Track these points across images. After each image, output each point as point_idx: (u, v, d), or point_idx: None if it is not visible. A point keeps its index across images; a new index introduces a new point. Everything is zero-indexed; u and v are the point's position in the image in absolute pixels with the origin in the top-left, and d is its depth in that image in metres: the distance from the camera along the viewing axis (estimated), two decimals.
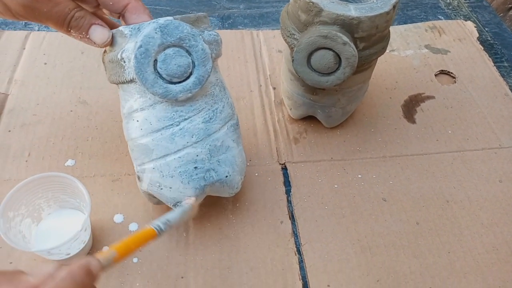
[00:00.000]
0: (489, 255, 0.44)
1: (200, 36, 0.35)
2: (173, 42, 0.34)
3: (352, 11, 0.41)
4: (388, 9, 0.42)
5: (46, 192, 0.40)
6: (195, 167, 0.37)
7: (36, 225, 0.41)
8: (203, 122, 0.37)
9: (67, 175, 0.39)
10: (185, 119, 0.37)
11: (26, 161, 0.49)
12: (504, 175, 0.51)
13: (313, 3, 0.41)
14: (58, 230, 0.41)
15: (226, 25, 0.71)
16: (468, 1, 0.79)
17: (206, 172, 0.38)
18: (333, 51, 0.42)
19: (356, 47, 0.42)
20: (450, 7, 0.77)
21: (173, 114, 0.36)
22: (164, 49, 0.34)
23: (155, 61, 0.34)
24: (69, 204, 0.42)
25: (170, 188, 0.38)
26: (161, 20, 0.34)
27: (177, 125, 0.36)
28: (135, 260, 0.43)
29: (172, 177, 0.37)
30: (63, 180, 0.39)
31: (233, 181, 0.41)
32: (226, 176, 0.40)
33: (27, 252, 0.42)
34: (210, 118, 0.38)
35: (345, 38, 0.40)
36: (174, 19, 0.35)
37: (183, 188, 0.38)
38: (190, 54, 0.35)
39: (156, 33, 0.33)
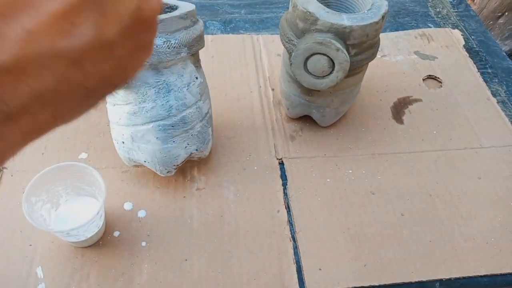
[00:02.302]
0: (466, 244, 0.49)
1: None
2: None
3: (345, 20, 0.45)
4: (377, 19, 0.46)
5: (65, 180, 0.44)
6: (123, 142, 0.46)
7: (55, 210, 0.45)
8: (127, 112, 0.43)
9: (84, 165, 0.43)
10: (118, 104, 0.43)
11: (43, 154, 0.53)
12: (483, 173, 0.56)
13: (309, 12, 0.46)
14: (75, 215, 0.45)
15: (228, 29, 0.75)
16: (456, 10, 0.84)
17: (129, 150, 0.46)
18: (328, 56, 0.46)
19: (348, 53, 0.47)
20: (439, 16, 0.82)
21: (113, 98, 0.43)
22: None
23: None
24: (85, 191, 0.46)
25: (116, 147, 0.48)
26: None
27: (112, 106, 0.44)
28: (143, 244, 0.47)
29: (114, 140, 0.48)
30: (80, 169, 0.43)
31: (155, 168, 0.47)
32: (145, 161, 0.47)
33: (46, 235, 0.45)
34: (135, 112, 0.43)
35: (338, 45, 0.45)
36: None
37: (118, 153, 0.48)
38: None
39: None
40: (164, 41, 0.39)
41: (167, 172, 0.48)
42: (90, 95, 0.16)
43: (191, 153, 0.48)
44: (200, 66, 0.47)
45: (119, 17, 0.15)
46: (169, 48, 0.40)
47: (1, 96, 0.12)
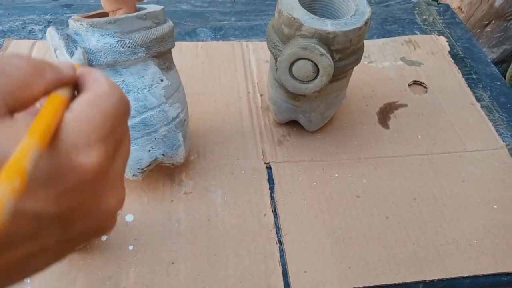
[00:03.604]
0: (450, 246, 0.50)
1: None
2: None
3: (329, 26, 0.46)
4: (360, 25, 0.47)
5: None
6: None
7: None
8: None
9: None
10: None
11: None
12: (467, 176, 0.57)
13: (294, 18, 0.47)
14: None
15: (218, 36, 0.76)
16: (442, 18, 0.86)
17: None
18: (312, 61, 0.47)
19: (332, 58, 0.48)
20: (425, 23, 0.84)
21: None
22: None
23: None
24: None
25: None
26: None
27: None
28: (130, 247, 0.47)
29: None
30: None
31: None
32: None
33: None
34: None
35: (322, 50, 0.46)
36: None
37: None
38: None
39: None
40: (118, 41, 0.39)
41: (133, 176, 0.47)
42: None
43: (156, 158, 0.47)
44: (171, 69, 0.46)
45: (71, 249, 0.19)
46: (123, 48, 0.39)
47: None
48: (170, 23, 0.44)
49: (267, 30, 0.53)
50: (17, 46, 0.67)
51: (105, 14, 0.43)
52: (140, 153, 0.46)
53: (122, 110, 0.18)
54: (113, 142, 0.17)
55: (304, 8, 0.49)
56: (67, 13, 0.77)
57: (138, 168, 0.47)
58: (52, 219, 0.16)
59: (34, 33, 0.71)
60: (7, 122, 0.14)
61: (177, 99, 0.47)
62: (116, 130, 0.17)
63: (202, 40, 0.74)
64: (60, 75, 0.17)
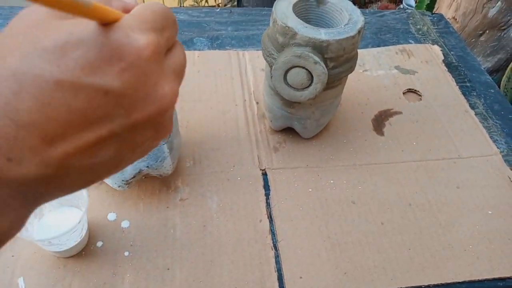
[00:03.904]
0: (445, 251, 0.50)
1: None
2: None
3: (323, 35, 0.47)
4: (353, 34, 0.48)
5: None
6: None
7: (39, 220, 0.45)
8: None
9: None
10: None
11: None
12: (461, 182, 0.57)
13: (288, 27, 0.47)
14: (58, 224, 0.45)
15: (215, 45, 0.77)
16: (436, 27, 0.87)
17: None
18: (306, 69, 0.48)
19: (326, 66, 0.48)
20: (420, 32, 0.85)
21: None
22: None
23: None
24: (69, 202, 0.47)
25: None
26: None
27: None
28: (126, 254, 0.47)
29: None
30: None
31: (107, 182, 0.48)
32: None
33: (29, 245, 0.46)
34: None
35: (316, 58, 0.47)
36: None
37: None
38: None
39: None
40: None
41: (119, 187, 0.48)
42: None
43: (141, 170, 0.47)
44: None
45: (135, 145, 0.19)
46: None
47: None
48: None
49: (262, 39, 0.54)
50: None
51: None
52: None
53: (170, 15, 0.20)
54: (164, 38, 0.19)
55: (298, 17, 0.50)
56: None
57: (122, 180, 0.47)
58: (117, 96, 0.17)
59: None
60: None
61: None
62: (165, 29, 0.19)
63: (199, 49, 0.75)
64: (125, 4, 0.20)
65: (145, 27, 0.18)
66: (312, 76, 0.48)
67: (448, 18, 1.13)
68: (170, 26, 0.20)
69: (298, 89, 0.50)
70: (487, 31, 1.29)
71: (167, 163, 0.49)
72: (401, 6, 1.93)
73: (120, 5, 0.20)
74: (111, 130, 0.17)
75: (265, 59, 0.53)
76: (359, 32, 0.49)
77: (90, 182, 0.19)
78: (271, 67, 0.51)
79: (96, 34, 0.16)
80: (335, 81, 0.52)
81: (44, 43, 0.16)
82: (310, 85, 0.49)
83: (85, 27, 0.16)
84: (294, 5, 0.51)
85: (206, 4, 2.03)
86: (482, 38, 1.31)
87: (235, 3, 1.99)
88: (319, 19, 0.55)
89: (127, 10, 0.20)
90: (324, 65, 0.47)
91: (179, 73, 0.21)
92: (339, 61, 0.50)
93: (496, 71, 1.37)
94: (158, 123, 0.20)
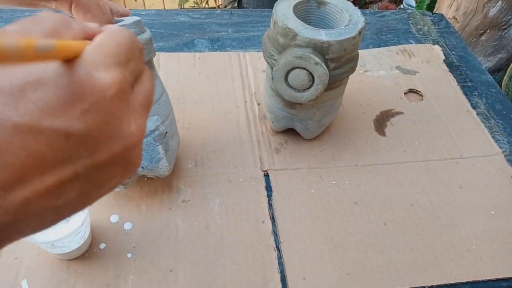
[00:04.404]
0: (448, 252, 0.50)
1: None
2: None
3: (323, 36, 0.47)
4: (354, 34, 0.48)
5: None
6: None
7: None
8: None
9: None
10: None
11: None
12: (464, 182, 0.57)
13: (289, 28, 0.48)
14: (61, 227, 0.45)
15: (216, 47, 0.77)
16: (437, 27, 0.87)
17: None
18: (307, 70, 0.48)
19: (327, 67, 0.48)
20: (420, 33, 0.85)
21: None
22: None
23: None
24: None
25: None
26: None
27: None
28: (129, 255, 0.47)
29: None
30: None
31: None
32: None
33: (32, 248, 0.46)
34: None
35: (317, 59, 0.47)
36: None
37: None
38: None
39: None
40: None
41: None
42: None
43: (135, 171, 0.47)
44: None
45: (101, 183, 0.19)
46: None
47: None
48: (144, 36, 0.43)
49: (263, 40, 0.54)
50: None
51: None
52: None
53: (135, 44, 0.20)
54: (130, 72, 0.19)
55: (299, 18, 0.50)
56: None
57: None
58: (80, 138, 0.16)
59: None
60: None
61: (155, 112, 0.46)
62: (131, 61, 0.19)
63: (200, 51, 0.75)
64: (86, 28, 0.19)
65: (109, 62, 0.18)
66: (313, 77, 0.48)
67: (449, 18, 1.13)
68: (136, 56, 0.20)
69: (299, 90, 0.50)
70: (488, 31, 1.29)
71: (163, 165, 0.49)
72: (402, 6, 1.93)
73: (81, 29, 0.19)
74: (74, 171, 0.17)
75: (266, 60, 0.53)
76: (359, 32, 0.49)
77: (55, 222, 0.18)
78: (272, 68, 0.51)
79: (57, 74, 0.16)
80: (336, 82, 0.52)
81: (0, 83, 0.15)
82: (311, 86, 0.49)
83: (45, 65, 0.16)
84: (295, 7, 0.51)
85: (207, 6, 2.04)
86: (482, 38, 1.31)
87: (235, 4, 1.99)
88: (319, 20, 0.55)
89: (89, 36, 0.19)
90: (325, 66, 0.47)
91: (147, 106, 0.20)
92: (340, 62, 0.50)
93: (497, 71, 1.37)
94: (126, 160, 0.19)
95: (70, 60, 0.17)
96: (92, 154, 0.17)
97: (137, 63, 0.20)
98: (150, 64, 0.46)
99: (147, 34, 0.43)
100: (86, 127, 0.16)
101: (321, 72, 0.47)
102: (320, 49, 0.47)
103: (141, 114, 0.20)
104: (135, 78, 0.20)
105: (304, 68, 0.48)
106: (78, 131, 0.16)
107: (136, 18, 0.43)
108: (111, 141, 0.18)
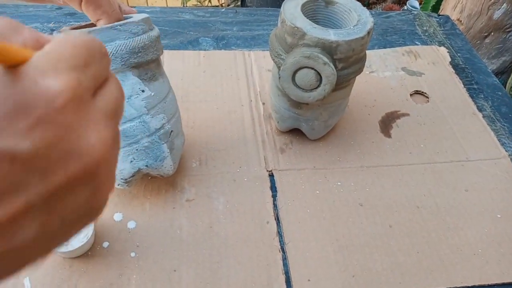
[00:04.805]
0: (454, 255, 0.49)
1: None
2: None
3: (332, 35, 0.47)
4: (363, 35, 0.48)
5: None
6: None
7: None
8: None
9: None
10: None
11: None
12: (470, 185, 0.57)
13: (297, 28, 0.47)
14: None
15: (221, 45, 0.76)
16: (443, 28, 0.87)
17: None
18: (315, 70, 0.47)
19: (335, 67, 0.48)
20: (426, 34, 0.84)
21: None
22: None
23: None
24: None
25: None
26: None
27: None
28: (132, 254, 0.47)
29: None
30: None
31: None
32: None
33: None
34: None
35: (325, 59, 0.46)
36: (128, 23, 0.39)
37: None
38: None
39: None
40: None
41: (118, 185, 0.47)
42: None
43: (140, 169, 0.46)
44: (156, 80, 0.45)
45: (66, 215, 0.15)
46: None
47: None
48: (152, 33, 0.42)
49: (270, 39, 0.54)
50: None
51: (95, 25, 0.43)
52: (121, 164, 0.45)
53: (96, 47, 0.17)
54: (89, 76, 0.16)
55: (307, 18, 0.49)
56: (70, 22, 0.77)
57: (121, 178, 0.46)
58: (27, 160, 0.14)
59: None
60: None
61: (161, 110, 0.46)
62: (91, 65, 0.16)
63: (205, 49, 0.75)
64: (39, 36, 0.16)
65: (61, 66, 0.15)
66: (320, 77, 0.48)
67: (453, 20, 1.13)
68: (98, 60, 0.17)
69: (307, 90, 0.49)
70: (492, 33, 1.29)
71: (168, 163, 0.48)
72: (405, 7, 1.93)
73: (33, 37, 0.16)
74: (26, 202, 0.14)
75: (273, 59, 0.52)
76: (368, 33, 0.49)
77: (14, 271, 0.15)
78: (279, 67, 0.50)
79: None
80: (343, 82, 0.51)
81: None
82: (318, 86, 0.49)
83: None
84: (303, 6, 0.51)
85: (210, 4, 2.03)
86: (487, 40, 1.30)
87: (239, 3, 1.99)
88: (327, 19, 0.54)
89: (41, 45, 0.16)
90: (333, 66, 0.47)
91: (114, 115, 0.18)
92: (348, 62, 0.49)
93: (501, 73, 1.37)
94: (92, 181, 0.16)
95: (13, 68, 0.14)
96: (45, 178, 0.14)
97: (98, 68, 0.17)
98: (157, 62, 0.45)
99: (155, 32, 0.43)
100: (33, 146, 0.14)
101: (329, 72, 0.47)
102: (329, 49, 0.47)
103: (106, 125, 0.17)
104: (96, 84, 0.17)
105: (312, 68, 0.47)
106: (24, 152, 0.13)
107: (145, 15, 0.43)
108: (67, 159, 0.15)
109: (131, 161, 0.45)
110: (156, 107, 0.45)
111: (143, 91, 0.43)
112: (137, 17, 0.42)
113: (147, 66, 0.44)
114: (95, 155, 0.16)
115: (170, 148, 0.48)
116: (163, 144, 0.46)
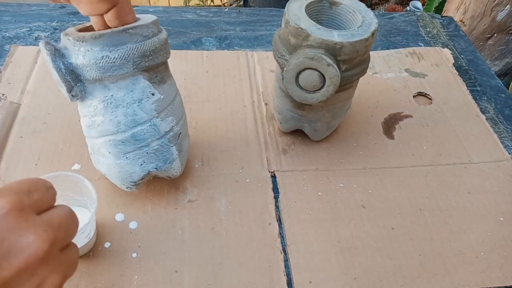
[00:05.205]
0: (456, 258, 0.49)
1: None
2: None
3: (336, 37, 0.47)
4: (367, 36, 0.47)
5: (57, 190, 0.44)
6: (90, 153, 0.48)
7: None
8: (85, 125, 0.45)
9: (76, 174, 0.43)
10: (81, 116, 0.45)
11: (36, 164, 0.53)
12: (473, 188, 0.57)
13: (301, 29, 0.47)
14: None
15: (223, 46, 0.76)
16: (446, 30, 0.86)
17: (94, 161, 0.48)
18: (319, 71, 0.47)
19: (339, 69, 0.48)
20: (429, 35, 0.84)
21: (79, 110, 0.45)
22: None
23: None
24: (77, 202, 0.46)
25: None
26: None
27: (80, 117, 0.46)
28: (134, 255, 0.46)
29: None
30: (72, 179, 0.43)
31: (115, 182, 0.48)
32: (105, 174, 0.48)
33: None
34: (89, 125, 0.44)
35: (329, 60, 0.46)
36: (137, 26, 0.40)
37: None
38: None
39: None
40: (103, 56, 0.38)
41: (127, 188, 0.47)
42: None
43: (149, 171, 0.46)
44: (165, 82, 0.45)
45: None
46: (108, 63, 0.39)
47: None
48: (161, 36, 0.42)
49: (273, 40, 0.53)
50: (23, 53, 0.68)
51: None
52: (132, 167, 0.45)
53: (40, 182, 0.24)
54: (33, 200, 0.22)
55: (311, 19, 0.49)
56: (73, 21, 0.77)
57: (131, 182, 0.46)
58: None
59: (40, 40, 0.72)
60: None
61: (170, 113, 0.46)
62: (33, 192, 0.22)
63: (207, 49, 0.75)
64: (43, 204, 0.24)
65: (7, 192, 0.20)
66: (324, 79, 0.48)
67: (456, 21, 1.13)
68: (41, 191, 0.22)
69: (310, 91, 0.49)
70: (495, 35, 1.28)
71: (176, 165, 0.48)
72: (408, 8, 1.93)
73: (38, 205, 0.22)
74: None
75: (276, 60, 0.52)
76: (372, 34, 0.48)
77: None
78: (282, 68, 0.50)
79: None
80: (347, 84, 0.51)
81: None
82: (322, 87, 0.48)
83: None
84: (307, 7, 0.51)
85: (212, 4, 2.03)
86: (490, 42, 1.30)
87: (241, 3, 1.98)
88: (331, 20, 0.54)
89: (42, 210, 0.23)
90: (337, 68, 0.46)
91: (56, 227, 0.22)
92: (352, 63, 0.49)
93: (504, 75, 1.36)
94: (36, 272, 0.21)
95: None
96: None
97: (42, 196, 0.22)
98: (166, 64, 0.45)
99: (164, 34, 0.43)
100: None
101: (333, 73, 0.47)
102: (332, 50, 0.47)
103: (45, 229, 0.21)
104: (41, 206, 0.22)
105: (315, 69, 0.47)
106: None
107: (154, 17, 0.42)
108: (10, 255, 0.19)
109: (141, 164, 0.45)
110: (165, 110, 0.45)
111: (153, 94, 0.43)
112: (146, 19, 0.42)
113: (156, 69, 0.43)
114: (33, 249, 0.20)
115: (179, 150, 0.48)
116: (172, 146, 0.46)
